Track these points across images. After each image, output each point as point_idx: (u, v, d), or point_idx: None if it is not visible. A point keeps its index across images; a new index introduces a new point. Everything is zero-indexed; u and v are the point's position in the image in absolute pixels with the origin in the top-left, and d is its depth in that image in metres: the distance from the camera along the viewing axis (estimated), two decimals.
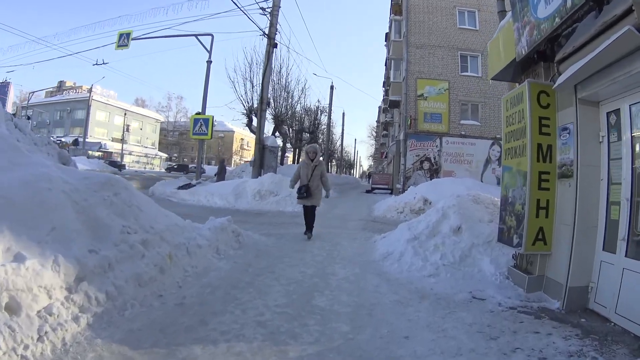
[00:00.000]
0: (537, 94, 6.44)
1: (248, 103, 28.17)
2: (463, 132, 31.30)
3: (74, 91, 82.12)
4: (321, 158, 12.13)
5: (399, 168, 32.67)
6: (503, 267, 7.22)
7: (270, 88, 29.21)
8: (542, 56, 6.77)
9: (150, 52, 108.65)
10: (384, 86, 57.75)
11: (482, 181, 26.27)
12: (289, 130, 38.13)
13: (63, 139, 64.85)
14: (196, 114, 23.82)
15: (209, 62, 23.36)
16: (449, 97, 31.68)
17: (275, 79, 30.32)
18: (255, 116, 27.95)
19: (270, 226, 12.33)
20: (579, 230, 5.71)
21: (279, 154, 34.28)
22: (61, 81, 46.76)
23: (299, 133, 39.98)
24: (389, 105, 41.08)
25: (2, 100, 48.34)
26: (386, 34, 48.52)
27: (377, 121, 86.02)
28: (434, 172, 30.80)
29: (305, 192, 10.47)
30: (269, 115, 30.49)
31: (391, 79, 37.53)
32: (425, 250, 7.72)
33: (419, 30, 32.60)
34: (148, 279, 5.57)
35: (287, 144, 40.09)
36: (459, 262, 7.42)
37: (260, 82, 22.01)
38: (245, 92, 28.59)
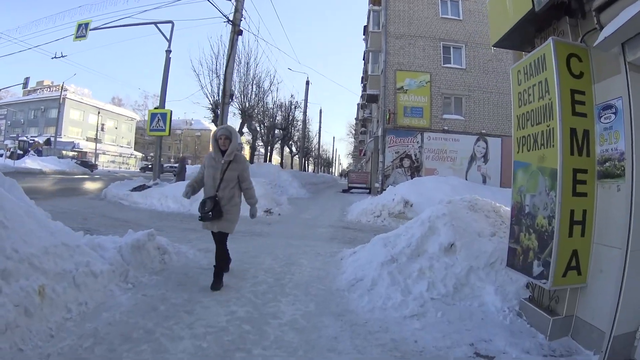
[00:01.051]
0: (566, 58, 4.45)
1: (214, 97, 25.87)
2: (446, 127, 29.46)
3: (48, 90, 79.52)
4: (244, 151, 9.36)
5: (377, 166, 30.72)
6: (512, 299, 5.33)
7: (236, 79, 27.24)
8: (567, 9, 4.79)
9: (120, 43, 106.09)
10: (362, 82, 56.06)
11: (466, 179, 24.42)
12: (259, 126, 35.80)
13: (36, 139, 62.48)
14: (155, 108, 21.61)
15: (168, 51, 21.08)
16: (431, 90, 29.79)
17: (242, 71, 28.26)
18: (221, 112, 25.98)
19: None
20: (634, 255, 3.79)
21: (247, 151, 32.26)
22: (27, 77, 43.68)
23: (271, 129, 37.52)
24: (367, 100, 39.01)
25: None
26: (364, 26, 46.62)
27: (356, 118, 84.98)
28: (415, 170, 28.93)
29: (210, 209, 5.99)
30: (235, 109, 28.58)
31: (369, 72, 35.57)
32: (407, 277, 5.68)
33: (398, 19, 30.65)
34: (4, 325, 3.71)
35: (257, 141, 37.76)
36: (453, 293, 5.46)
37: (226, 74, 19.75)
38: (211, 85, 26.30)
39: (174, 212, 14.77)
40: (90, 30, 21.59)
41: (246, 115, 27.42)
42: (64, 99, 71.50)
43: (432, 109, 29.58)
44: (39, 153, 54.14)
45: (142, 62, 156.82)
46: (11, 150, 46.81)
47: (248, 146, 36.18)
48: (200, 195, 6.20)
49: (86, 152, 71.60)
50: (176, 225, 11.68)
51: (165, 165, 70.33)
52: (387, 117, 28.61)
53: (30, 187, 20.94)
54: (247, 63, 28.35)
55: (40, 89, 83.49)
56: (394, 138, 29.00)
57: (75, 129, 77.44)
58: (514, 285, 5.45)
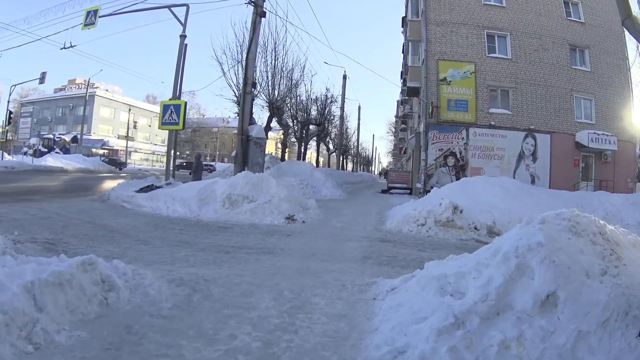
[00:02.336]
0: None
1: (239, 88, 23.70)
2: (493, 122, 26.93)
3: (77, 87, 79.19)
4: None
5: (419, 164, 28.32)
6: None
7: (262, 68, 25.05)
8: None
9: (148, 39, 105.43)
10: (401, 77, 53.54)
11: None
12: (292, 121, 33.54)
13: (63, 136, 62.15)
14: (170, 99, 19.59)
15: (183, 36, 19.07)
16: (476, 82, 27.31)
17: (269, 59, 25.81)
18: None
19: (218, 254, 8.03)
20: None
21: (279, 148, 30.23)
22: (44, 72, 42.69)
23: (305, 125, 35.20)
24: (407, 94, 36.36)
25: None
26: (402, 17, 44.20)
27: (396, 116, 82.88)
28: (460, 169, 26.52)
29: None
30: (262, 101, 26.39)
31: (409, 64, 33.08)
32: (480, 356, 3.30)
33: (439, 5, 28.41)
34: None
35: (289, 137, 35.43)
36: None
37: (248, 60, 17.62)
38: (236, 76, 24.09)
39: (179, 218, 12.71)
40: (99, 17, 19.80)
41: (274, 108, 25.05)
42: (91, 96, 71.14)
43: (477, 102, 27.26)
44: (66, 151, 53.49)
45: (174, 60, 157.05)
46: (34, 147, 46.14)
47: (279, 142, 34.08)
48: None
49: (117, 149, 71.01)
50: (170, 237, 9.52)
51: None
52: (430, 110, 26.15)
53: (34, 187, 19.99)
54: (275, 50, 26.08)
55: (69, 86, 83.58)
56: (438, 134, 26.59)
57: (105, 127, 77.61)
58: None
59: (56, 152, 48.69)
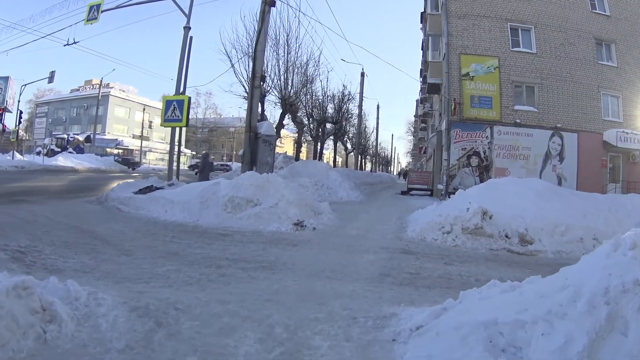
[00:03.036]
0: None
1: (249, 83, 22.58)
2: (518, 120, 25.50)
3: (91, 87, 79.17)
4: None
5: (440, 165, 27.09)
6: None
7: (273, 62, 23.86)
8: None
9: (162, 43, 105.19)
10: (420, 75, 52.09)
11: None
12: (308, 119, 32.29)
13: (77, 136, 62.49)
14: (176, 94, 18.47)
15: (187, 28, 18.01)
16: (500, 77, 25.89)
17: (281, 53, 24.53)
18: (259, 101, 22.60)
19: (207, 269, 6.89)
20: None
21: (294, 147, 28.99)
22: (52, 71, 42.41)
23: (321, 123, 33.80)
24: (428, 91, 34.95)
25: None
26: (421, 13, 42.83)
27: (415, 116, 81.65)
28: (484, 169, 25.13)
29: None
30: (275, 98, 24.96)
31: (429, 59, 31.69)
32: None
33: None
34: None
35: (305, 136, 34.05)
36: None
37: (256, 52, 16.47)
38: (246, 70, 22.78)
39: (176, 223, 11.55)
40: (102, 12, 18.83)
41: (287, 105, 23.73)
42: (106, 96, 72.77)
43: (502, 98, 25.81)
44: (80, 150, 53.29)
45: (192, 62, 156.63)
46: (48, 147, 45.89)
47: (293, 141, 32.77)
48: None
49: (132, 149, 70.85)
50: (157, 246, 8.40)
51: (215, 163, 68.37)
52: (452, 107, 24.77)
53: (34, 187, 19.55)
54: (287, 43, 24.69)
55: (85, 87, 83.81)
56: (460, 132, 25.21)
57: (120, 127, 78.11)
58: None
59: (69, 152, 48.57)
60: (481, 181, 24.58)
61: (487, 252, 10.25)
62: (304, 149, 45.68)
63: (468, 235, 10.98)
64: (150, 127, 76.24)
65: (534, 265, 9.12)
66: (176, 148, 19.61)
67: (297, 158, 29.10)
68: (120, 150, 67.33)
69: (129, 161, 53.65)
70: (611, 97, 26.97)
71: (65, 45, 23.60)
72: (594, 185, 23.04)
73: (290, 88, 23.81)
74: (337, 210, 14.98)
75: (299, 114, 27.28)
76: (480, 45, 26.28)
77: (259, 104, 22.48)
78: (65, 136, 58.71)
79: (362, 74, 40.36)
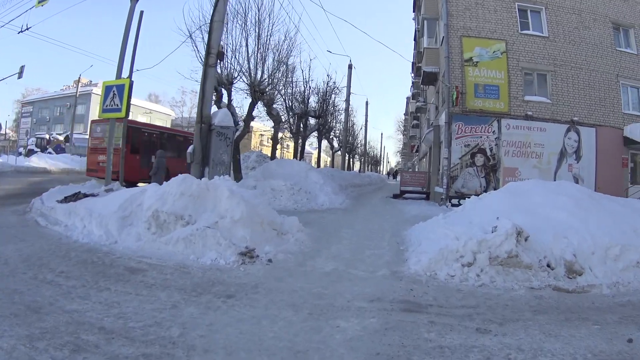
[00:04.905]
0: None
1: (218, 74, 18.74)
2: (529, 112, 22.02)
3: (73, 86, 76.48)
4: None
5: (438, 164, 23.75)
6: None
7: (241, 42, 19.84)
8: None
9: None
10: (412, 69, 48.96)
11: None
12: (287, 113, 28.55)
13: (59, 136, 59.21)
14: (117, 79, 14.87)
15: None
16: (508, 64, 22.41)
17: (251, 31, 19.94)
18: (225, 89, 18.88)
19: (60, 350, 3.90)
20: None
21: (269, 144, 25.22)
22: (22, 66, 39.96)
23: (303, 117, 29.55)
24: (422, 82, 31.22)
25: None
26: (414, 1, 39.77)
27: (405, 114, 79.05)
28: (491, 169, 21.59)
29: None
30: (243, 84, 20.31)
31: (424, 46, 28.24)
32: None
33: None
34: None
35: (282, 131, 29.76)
36: None
37: (212, 23, 12.90)
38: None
39: (86, 247, 8.21)
40: None
41: (258, 93, 19.62)
42: (88, 94, 71.07)
43: (510, 87, 22.28)
44: (62, 150, 50.72)
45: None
46: (28, 147, 47.38)
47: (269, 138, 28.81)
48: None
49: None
50: (25, 292, 5.61)
51: None
52: (455, 96, 21.24)
53: None
54: (258, 19, 20.32)
55: (72, 86, 79.98)
56: (463, 126, 21.63)
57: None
58: None
59: (48, 152, 46.22)
60: (487, 183, 21.22)
61: (527, 293, 6.84)
62: (291, 148, 41.75)
63: (498, 267, 7.49)
64: None
65: (593, 310, 6.19)
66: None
67: (272, 157, 25.01)
68: None
69: None
70: (631, 88, 23.77)
71: (19, 33, 21.80)
72: (613, 187, 19.65)
73: (261, 73, 19.73)
74: (313, 224, 11.46)
75: (274, 106, 23.27)
76: (485, 27, 22.81)
77: (226, 93, 18.85)
78: (47, 136, 56.22)
79: (350, 66, 36.69)
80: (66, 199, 11.51)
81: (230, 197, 8.38)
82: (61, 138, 57.38)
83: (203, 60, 13.74)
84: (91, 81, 73.94)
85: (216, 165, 12.33)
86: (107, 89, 14.38)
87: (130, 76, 15.41)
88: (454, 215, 10.99)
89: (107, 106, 14.26)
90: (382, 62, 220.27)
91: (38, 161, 37.07)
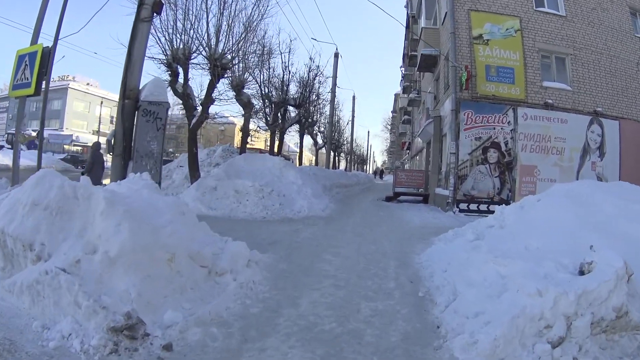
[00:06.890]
0: None
1: (172, 47, 14.87)
2: (549, 100, 18.48)
3: (52, 81, 73.37)
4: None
5: (438, 162, 20.73)
6: None
7: (200, 5, 15.69)
8: None
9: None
10: (403, 61, 45.85)
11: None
12: (264, 101, 24.25)
13: (33, 133, 57.16)
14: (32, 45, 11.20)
15: None
16: (523, 43, 18.91)
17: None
18: (181, 66, 15.08)
19: None
20: None
21: (238, 135, 21.31)
22: None
23: (280, 106, 25.10)
24: (419, 67, 27.50)
25: None
26: None
27: (393, 111, 76.21)
28: (506, 167, 17.96)
29: None
30: (202, 59, 15.98)
31: (422, 26, 24.75)
32: None
33: None
34: None
35: (254, 121, 25.45)
36: None
37: None
38: (172, 30, 15.18)
39: None
40: None
41: (219, 68, 15.49)
42: (64, 89, 70.24)
43: (526, 71, 18.74)
44: (35, 147, 48.59)
45: None
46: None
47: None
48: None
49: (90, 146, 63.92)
50: None
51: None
52: (464, 78, 17.59)
53: None
54: None
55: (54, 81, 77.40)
56: (473, 115, 17.93)
57: (79, 122, 73.90)
58: None
59: (20, 149, 43.33)
60: (502, 184, 17.63)
61: None
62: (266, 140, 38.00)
63: (601, 335, 3.97)
64: (112, 122, 70.74)
65: None
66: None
67: (242, 151, 20.89)
68: (80, 148, 64.91)
69: (78, 159, 50.33)
70: None
71: None
72: None
73: (223, 45, 15.57)
74: (280, 245, 7.84)
75: (245, 90, 19.23)
76: (496, 1, 19.28)
77: (182, 72, 15.08)
78: (24, 131, 54.20)
79: (336, 55, 33.17)
80: None
81: (108, 212, 4.51)
82: (34, 134, 55.45)
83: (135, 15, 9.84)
84: (67, 75, 72.54)
85: (141, 158, 8.52)
86: (20, 59, 10.73)
87: (55, 44, 11.67)
88: (493, 235, 7.32)
89: (18, 81, 10.75)
90: (367, 61, 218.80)
91: (2, 158, 36.93)
